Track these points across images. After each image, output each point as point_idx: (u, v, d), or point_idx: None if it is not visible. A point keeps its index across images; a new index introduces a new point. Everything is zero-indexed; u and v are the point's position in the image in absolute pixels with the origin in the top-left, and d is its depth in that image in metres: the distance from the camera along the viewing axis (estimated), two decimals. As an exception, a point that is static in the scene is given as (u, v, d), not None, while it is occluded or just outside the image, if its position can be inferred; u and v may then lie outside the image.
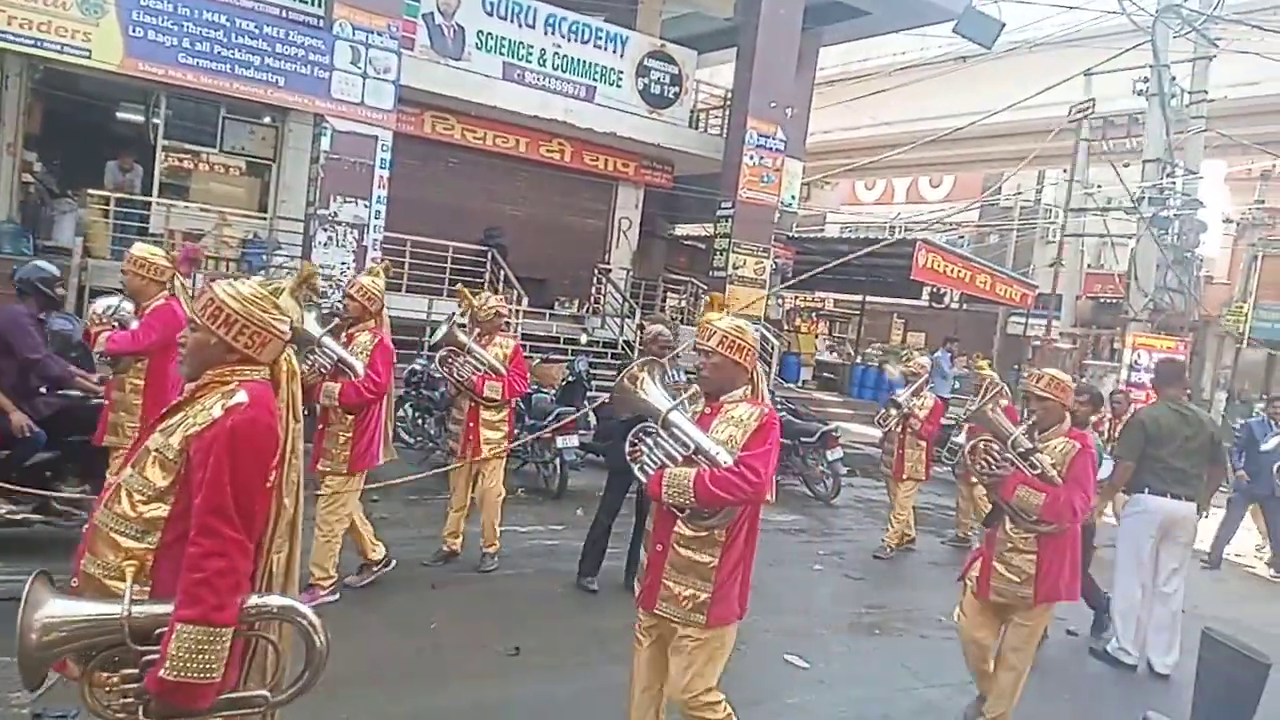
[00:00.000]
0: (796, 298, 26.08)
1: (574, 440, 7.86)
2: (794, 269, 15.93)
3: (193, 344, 2.21)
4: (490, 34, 13.10)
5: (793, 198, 16.74)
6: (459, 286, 6.19)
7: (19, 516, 4.87)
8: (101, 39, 9.20)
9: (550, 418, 7.91)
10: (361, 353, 4.73)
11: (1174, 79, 15.08)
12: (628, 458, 3.10)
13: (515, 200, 14.82)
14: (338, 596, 4.86)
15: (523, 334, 11.86)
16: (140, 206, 11.39)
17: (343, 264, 10.47)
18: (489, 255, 13.13)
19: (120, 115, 13.08)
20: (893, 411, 7.58)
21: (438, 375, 6.74)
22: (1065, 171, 21.98)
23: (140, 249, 4.57)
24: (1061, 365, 19.74)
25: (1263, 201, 21.51)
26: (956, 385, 15.11)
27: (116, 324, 4.67)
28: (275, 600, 2.20)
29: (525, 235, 14.31)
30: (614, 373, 9.87)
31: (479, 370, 5.56)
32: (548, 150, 14.34)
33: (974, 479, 5.70)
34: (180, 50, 9.51)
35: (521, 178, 14.74)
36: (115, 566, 2.09)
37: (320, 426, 4.83)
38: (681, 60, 14.89)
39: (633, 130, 14.17)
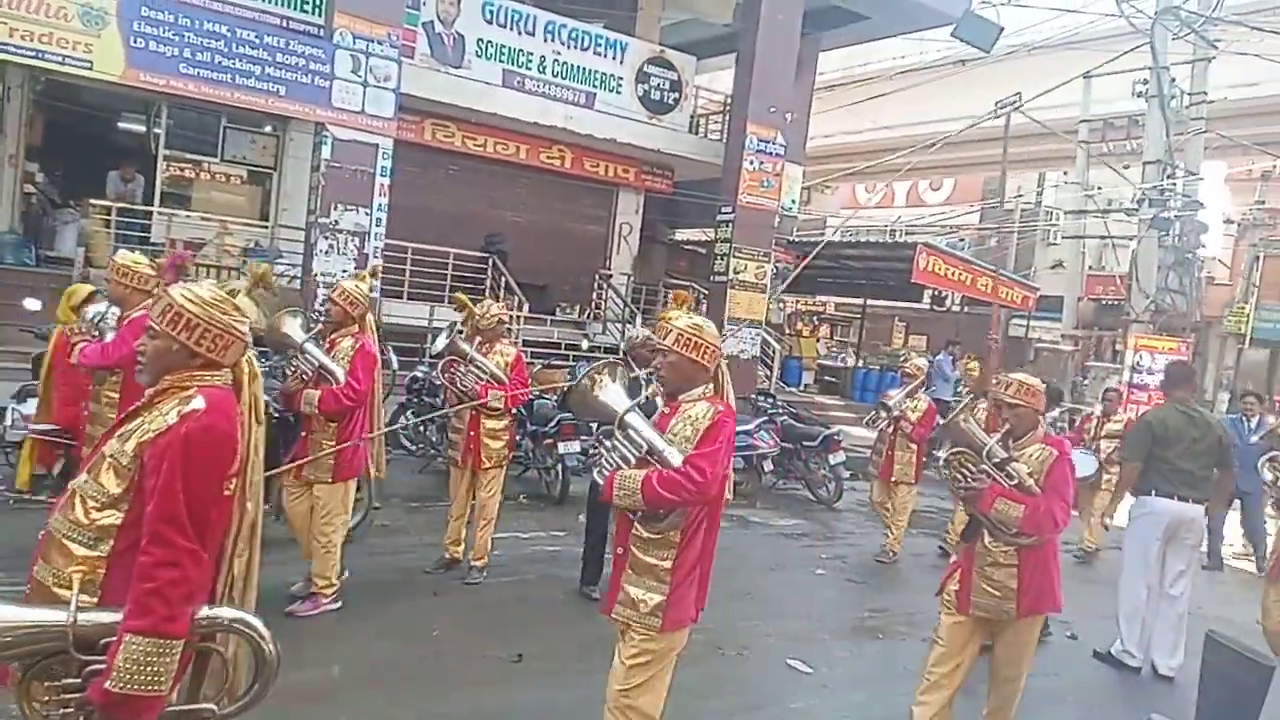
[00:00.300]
0: (798, 302, 26.09)
1: (575, 446, 7.84)
2: (793, 272, 15.94)
3: (153, 352, 2.16)
4: (490, 42, 13.14)
5: (793, 202, 16.75)
6: (458, 295, 6.15)
7: None
8: (103, 50, 9.24)
9: (552, 424, 7.91)
10: (343, 358, 4.62)
11: (1173, 81, 15.10)
12: (589, 460, 3.11)
13: (516, 207, 14.85)
14: (340, 604, 4.84)
15: (524, 340, 11.88)
16: (142, 216, 11.43)
17: (344, 272, 10.48)
18: (490, 262, 13.15)
19: (122, 125, 13.13)
20: (883, 414, 7.57)
21: (439, 383, 6.71)
22: (1065, 174, 22.03)
23: (124, 256, 4.48)
24: (1063, 367, 19.76)
25: (1263, 202, 21.49)
26: (960, 389, 15.09)
27: (96, 334, 4.63)
28: (226, 612, 2.15)
29: (526, 241, 14.33)
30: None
31: (481, 379, 5.50)
32: (548, 157, 14.37)
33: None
34: (181, 60, 9.55)
35: (522, 184, 14.77)
36: (66, 574, 2.04)
37: (303, 434, 4.74)
38: (681, 66, 14.92)
39: (633, 136, 14.20)
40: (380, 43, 10.46)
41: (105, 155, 12.29)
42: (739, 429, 9.29)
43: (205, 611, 2.09)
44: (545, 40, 13.58)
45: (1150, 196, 14.99)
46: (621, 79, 14.28)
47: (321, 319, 4.92)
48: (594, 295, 15.28)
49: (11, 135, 11.06)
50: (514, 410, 5.80)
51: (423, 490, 7.75)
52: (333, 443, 4.65)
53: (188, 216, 11.89)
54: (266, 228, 12.47)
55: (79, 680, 1.99)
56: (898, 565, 7.44)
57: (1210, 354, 21.38)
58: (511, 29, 13.31)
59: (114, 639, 1.95)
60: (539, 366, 10.63)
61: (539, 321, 13.47)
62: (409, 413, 8.82)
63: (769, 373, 15.01)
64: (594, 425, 8.55)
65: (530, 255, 14.18)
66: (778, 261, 14.84)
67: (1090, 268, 22.59)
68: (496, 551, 5.78)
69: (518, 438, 6.59)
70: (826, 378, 18.85)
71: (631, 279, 15.70)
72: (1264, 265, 20.55)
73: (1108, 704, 4.93)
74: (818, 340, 23.16)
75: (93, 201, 11.34)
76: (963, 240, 27.28)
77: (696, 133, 15.65)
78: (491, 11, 13.13)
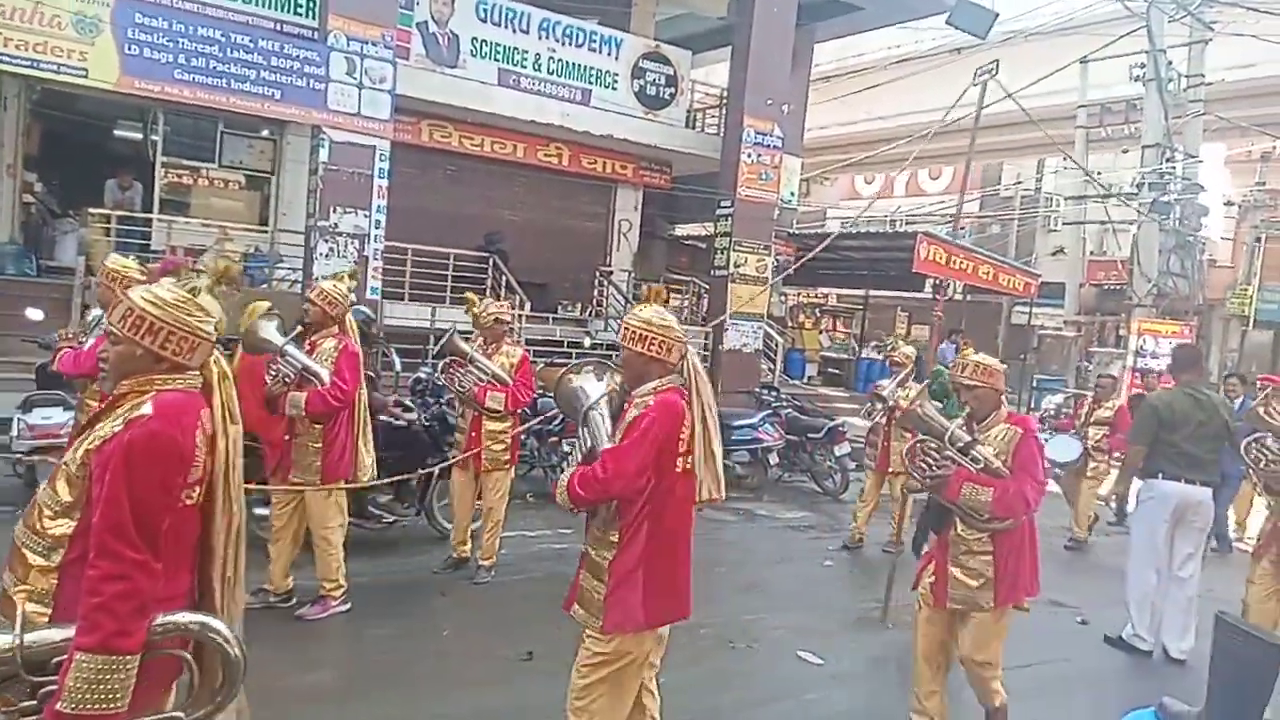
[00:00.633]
0: (799, 294, 26.05)
1: (581, 444, 7.81)
2: (794, 265, 15.91)
3: (115, 358, 2.08)
4: (485, 41, 13.12)
5: (792, 194, 16.73)
6: (468, 294, 6.11)
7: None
8: (97, 58, 9.23)
9: (557, 422, 7.90)
10: (326, 359, 4.55)
11: (1170, 64, 15.06)
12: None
13: (514, 205, 14.84)
14: (349, 606, 4.84)
15: (526, 339, 11.86)
16: (141, 224, 11.42)
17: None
18: (490, 261, 13.14)
19: (118, 133, 13.12)
20: (878, 405, 7.46)
21: (442, 384, 6.68)
22: (1065, 159, 21.97)
23: (114, 260, 4.42)
24: (1066, 354, 19.72)
25: (1264, 183, 21.42)
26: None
27: (79, 343, 4.59)
28: (184, 617, 2.06)
29: (525, 240, 14.31)
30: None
31: (481, 381, 5.44)
32: (545, 155, 14.34)
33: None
34: (176, 66, 9.54)
35: (520, 183, 14.75)
36: (25, 585, 2.00)
37: (288, 438, 4.67)
38: (676, 61, 14.89)
39: (630, 132, 14.17)
40: (374, 44, 10.45)
41: (103, 164, 12.28)
42: (742, 423, 9.31)
43: (161, 619, 1.99)
44: (540, 38, 13.55)
45: (1150, 180, 14.96)
46: (617, 75, 14.26)
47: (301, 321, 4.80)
48: (595, 292, 15.26)
49: (9, 145, 11.06)
50: (519, 412, 5.72)
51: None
52: (319, 445, 4.58)
53: (187, 223, 11.87)
54: (266, 232, 12.45)
55: (35, 703, 1.91)
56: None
57: (1214, 337, 21.33)
58: (506, 27, 13.29)
59: (66, 658, 1.88)
60: (542, 365, 10.62)
61: (541, 320, 13.46)
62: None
63: (772, 366, 15.00)
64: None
65: (530, 254, 14.17)
66: (777, 254, 14.82)
67: (1091, 253, 22.55)
68: (504, 550, 5.78)
69: (523, 437, 6.57)
70: (830, 369, 18.82)
71: (632, 275, 15.68)
72: (1266, 247, 20.49)
73: (1119, 688, 4.92)
74: (821, 332, 23.09)
75: (91, 210, 11.33)
76: (963, 229, 27.24)
77: (693, 127, 15.61)
78: (485, 10, 13.11)
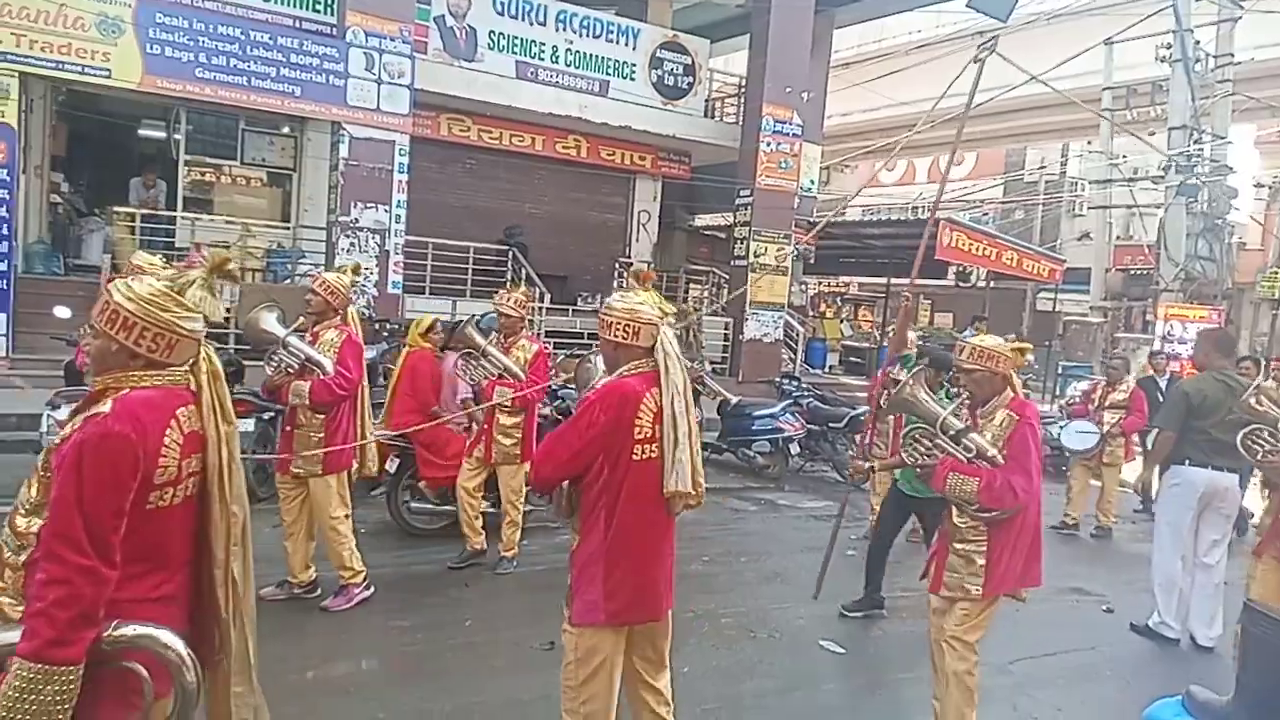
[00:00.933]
0: (820, 283, 25.92)
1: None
2: (815, 252, 15.84)
3: (95, 352, 2.04)
4: (502, 34, 13.14)
5: (812, 182, 16.65)
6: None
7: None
8: (120, 58, 9.35)
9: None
10: (329, 349, 4.55)
11: (1198, 43, 14.79)
12: None
13: (534, 198, 14.87)
14: (372, 590, 4.87)
15: (546, 331, 11.90)
16: (165, 222, 11.57)
17: (366, 269, 10.58)
18: (510, 254, 13.18)
19: (142, 133, 13.29)
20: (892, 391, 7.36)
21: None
22: (1090, 143, 21.68)
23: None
24: (1092, 340, 19.50)
25: (1294, 164, 21.06)
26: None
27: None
28: (131, 629, 1.91)
29: (545, 233, 14.36)
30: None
31: (491, 374, 5.40)
32: (564, 147, 14.36)
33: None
34: (198, 65, 9.64)
35: (539, 175, 14.78)
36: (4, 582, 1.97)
37: (288, 429, 4.69)
38: (694, 50, 14.84)
39: (648, 123, 14.15)
40: (393, 39, 10.50)
41: (127, 163, 12.45)
42: (763, 413, 9.30)
43: (111, 630, 1.87)
44: (557, 30, 13.56)
45: (1177, 163, 14.72)
46: (635, 65, 14.23)
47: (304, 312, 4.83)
48: (615, 284, 15.28)
49: (36, 147, 11.22)
50: (537, 405, 5.68)
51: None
52: (321, 435, 4.60)
53: (210, 220, 12.02)
54: (289, 228, 12.58)
55: None
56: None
57: (1243, 321, 21.00)
58: (523, 20, 13.30)
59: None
60: (562, 357, 10.64)
61: (560, 312, 13.50)
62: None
63: (793, 355, 14.95)
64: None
65: (550, 246, 14.21)
66: (798, 243, 14.76)
67: (1118, 238, 22.25)
68: (525, 541, 5.81)
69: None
70: (851, 358, 18.74)
71: (652, 266, 15.67)
72: (1296, 229, 20.14)
73: (1146, 676, 4.87)
74: (843, 321, 23.00)
75: (117, 209, 11.49)
76: (987, 215, 26.98)
77: (712, 116, 15.57)
78: (502, 3, 13.12)
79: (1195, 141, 14.72)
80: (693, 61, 14.79)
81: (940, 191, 6.85)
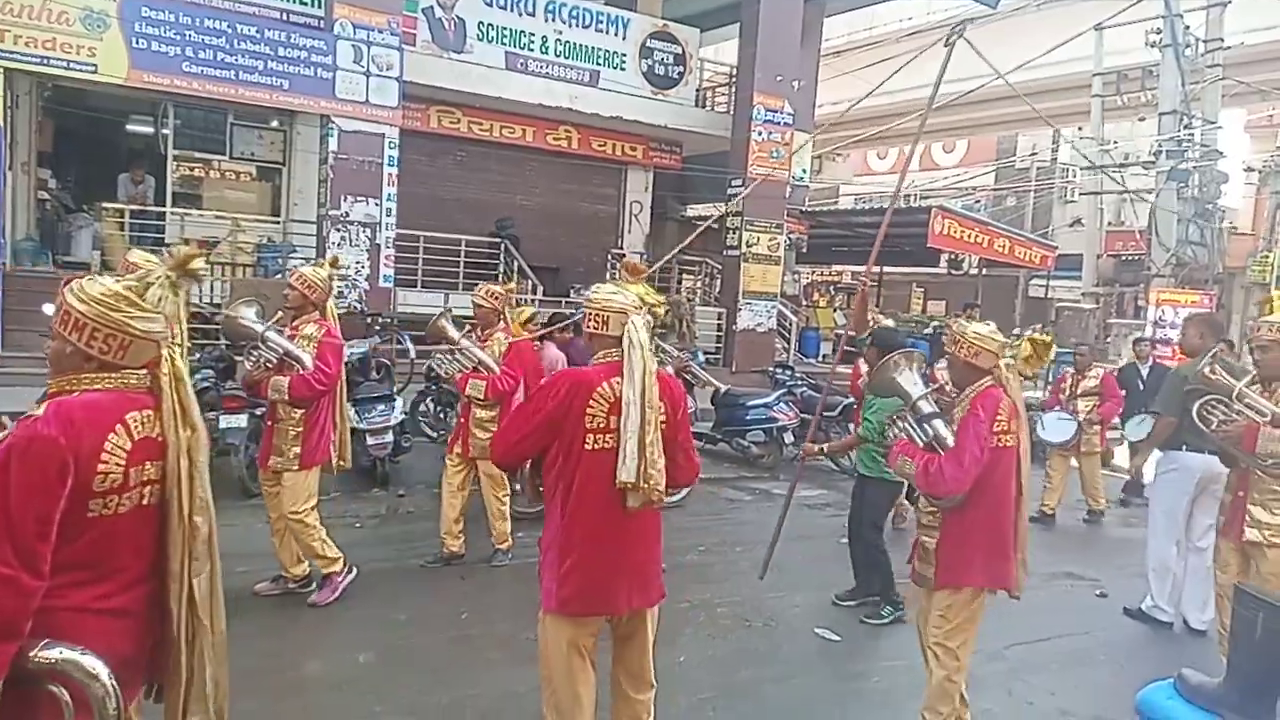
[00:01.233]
0: (813, 272, 25.92)
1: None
2: (807, 241, 15.83)
3: (51, 354, 1.98)
4: (491, 24, 13.06)
5: (804, 171, 16.64)
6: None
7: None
8: (106, 53, 9.27)
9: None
10: (308, 344, 4.57)
11: (1188, 28, 14.81)
12: None
13: (525, 190, 14.82)
14: (355, 573, 4.87)
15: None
16: (155, 217, 11.49)
17: (357, 263, 10.54)
18: (502, 247, 13.14)
19: (129, 128, 13.19)
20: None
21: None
22: (1080, 130, 21.69)
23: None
24: (1084, 325, 19.54)
25: (1285, 148, 21.09)
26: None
27: None
28: (54, 651, 1.80)
29: (537, 225, 14.32)
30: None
31: (465, 367, 5.40)
32: (555, 138, 14.31)
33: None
34: (184, 59, 9.57)
35: (530, 167, 14.73)
36: None
37: (269, 423, 4.71)
38: (684, 39, 14.78)
39: (639, 113, 14.11)
40: (381, 31, 10.43)
41: (115, 158, 12.36)
42: (757, 402, 9.30)
43: (38, 649, 1.78)
44: (546, 20, 13.48)
45: (1167, 148, 14.75)
46: (625, 55, 14.17)
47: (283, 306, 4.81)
48: (607, 275, 15.24)
49: (22, 143, 11.13)
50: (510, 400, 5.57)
51: (445, 476, 7.77)
52: (300, 430, 4.61)
53: (200, 215, 11.94)
54: (279, 223, 12.51)
55: None
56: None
57: (1235, 305, 21.07)
58: (512, 10, 13.22)
59: None
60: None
61: (553, 304, 13.46)
62: (429, 400, 8.86)
63: (786, 345, 14.95)
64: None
65: (542, 238, 14.16)
66: (790, 232, 14.75)
67: (1109, 224, 22.30)
68: (519, 532, 5.80)
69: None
70: (845, 347, 18.71)
71: (645, 257, 15.64)
72: (1287, 212, 20.15)
73: (1139, 660, 4.90)
74: (836, 310, 23.00)
75: (105, 205, 11.41)
76: (979, 202, 27.00)
77: (703, 106, 15.53)
78: (491, -6, 13.04)
79: (1186, 126, 14.74)
80: (683, 51, 14.73)
81: (900, 181, 6.75)
